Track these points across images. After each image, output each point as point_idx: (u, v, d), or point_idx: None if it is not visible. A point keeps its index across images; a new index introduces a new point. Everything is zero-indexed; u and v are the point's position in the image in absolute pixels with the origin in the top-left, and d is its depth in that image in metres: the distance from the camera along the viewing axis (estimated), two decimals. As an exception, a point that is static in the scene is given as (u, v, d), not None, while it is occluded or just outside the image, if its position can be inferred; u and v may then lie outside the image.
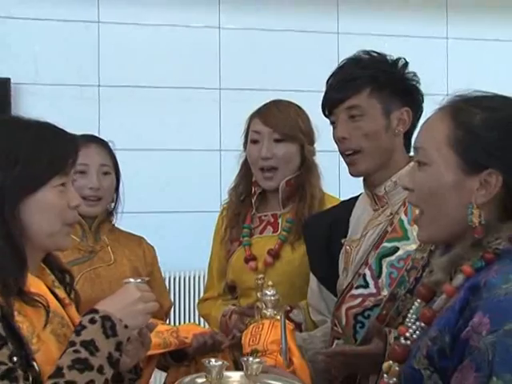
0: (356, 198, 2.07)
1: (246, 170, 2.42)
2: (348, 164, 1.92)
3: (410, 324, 1.36)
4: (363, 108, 1.86)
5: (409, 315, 1.39)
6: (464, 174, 1.28)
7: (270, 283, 1.82)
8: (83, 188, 2.30)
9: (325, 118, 1.98)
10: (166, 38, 5.49)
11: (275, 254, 2.30)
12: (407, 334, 1.35)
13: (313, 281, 2.10)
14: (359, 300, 1.84)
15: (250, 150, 2.36)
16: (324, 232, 2.07)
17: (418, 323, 1.34)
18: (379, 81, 1.86)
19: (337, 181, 4.46)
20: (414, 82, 1.93)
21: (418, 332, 1.33)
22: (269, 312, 1.76)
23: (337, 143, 1.93)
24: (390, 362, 1.36)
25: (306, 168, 2.35)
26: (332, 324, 1.94)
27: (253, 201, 2.39)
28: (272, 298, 1.77)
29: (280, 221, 2.36)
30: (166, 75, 5.43)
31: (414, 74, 1.93)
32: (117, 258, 2.37)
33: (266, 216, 2.39)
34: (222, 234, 2.45)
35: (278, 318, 1.73)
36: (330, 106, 1.93)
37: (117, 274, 2.29)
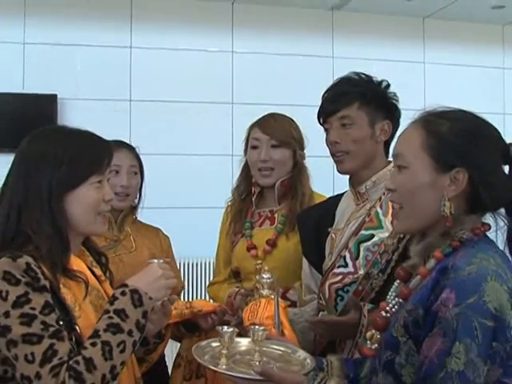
0: (341, 194, 2.08)
1: (246, 172, 2.41)
2: (336, 162, 1.93)
3: (390, 300, 1.39)
4: (353, 118, 1.87)
5: (389, 293, 1.41)
6: (437, 173, 1.31)
7: (266, 268, 1.83)
8: (116, 186, 2.29)
9: (320, 126, 1.99)
10: (187, 60, 5.49)
11: (273, 244, 2.28)
12: (387, 308, 1.38)
13: (305, 263, 2.10)
14: (340, 277, 1.85)
15: (251, 154, 2.35)
16: (314, 223, 2.08)
17: (396, 299, 1.37)
18: (367, 97, 1.87)
19: (331, 181, 4.45)
20: (394, 101, 1.93)
21: (396, 306, 1.36)
22: (265, 292, 1.77)
23: (329, 146, 1.95)
24: (373, 330, 1.38)
25: (298, 170, 2.33)
26: (318, 298, 1.96)
27: (253, 199, 2.36)
28: (268, 280, 1.78)
29: (276, 215, 2.34)
30: (186, 92, 5.44)
31: (395, 94, 1.93)
32: (137, 246, 2.35)
33: (264, 212, 2.37)
34: (227, 228, 2.43)
35: (273, 297, 1.75)
36: (324, 116, 1.94)
37: (137, 260, 2.27)
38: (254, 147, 2.33)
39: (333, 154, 1.94)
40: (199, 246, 5.08)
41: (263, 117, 2.39)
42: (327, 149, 1.96)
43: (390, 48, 5.73)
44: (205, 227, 5.05)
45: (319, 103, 1.97)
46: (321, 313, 1.93)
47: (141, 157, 2.47)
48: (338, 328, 1.78)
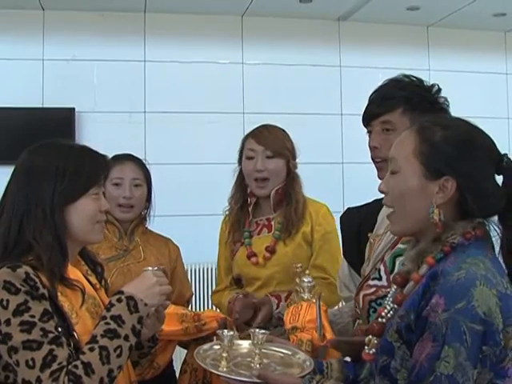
0: None
1: (240, 180, 2.41)
2: (377, 169, 1.81)
3: (386, 305, 1.37)
4: (395, 124, 1.73)
5: (387, 298, 1.38)
6: (426, 179, 1.29)
7: (307, 272, 1.80)
8: (118, 197, 2.29)
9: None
10: (199, 72, 5.48)
11: (271, 250, 2.29)
12: (383, 314, 1.36)
13: (344, 263, 2.04)
14: (373, 289, 1.76)
15: (246, 164, 2.34)
16: (357, 224, 2.01)
17: (392, 305, 1.35)
18: (412, 102, 1.72)
19: (341, 187, 4.44)
20: (445, 106, 1.77)
21: (391, 312, 1.34)
22: (306, 295, 1.77)
23: (370, 150, 1.82)
24: (370, 336, 1.36)
25: (291, 178, 2.34)
26: (354, 306, 1.89)
27: (250, 209, 2.37)
28: (309, 284, 1.77)
29: (273, 223, 2.34)
30: (199, 102, 5.44)
31: (445, 99, 1.77)
32: (146, 256, 2.33)
33: (261, 220, 2.37)
34: (225, 237, 2.43)
35: (314, 300, 1.73)
36: (368, 119, 1.81)
37: None
38: (250, 158, 2.34)
39: (373, 160, 1.82)
40: (212, 253, 5.07)
41: (257, 128, 2.39)
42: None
43: (395, 56, 5.66)
44: (218, 234, 5.06)
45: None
46: (357, 321, 1.86)
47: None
48: (357, 347, 1.72)
